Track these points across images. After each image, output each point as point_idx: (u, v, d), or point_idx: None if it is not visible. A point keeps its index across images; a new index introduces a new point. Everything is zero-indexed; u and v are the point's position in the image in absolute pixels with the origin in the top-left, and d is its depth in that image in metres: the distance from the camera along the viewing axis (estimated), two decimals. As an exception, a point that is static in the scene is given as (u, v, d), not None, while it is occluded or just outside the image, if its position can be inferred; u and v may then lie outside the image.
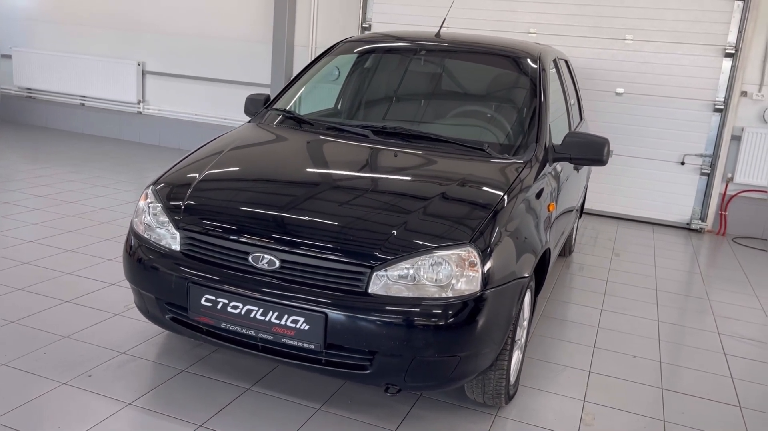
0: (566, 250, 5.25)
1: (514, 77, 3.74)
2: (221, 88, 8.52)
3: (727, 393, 3.28)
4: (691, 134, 6.57)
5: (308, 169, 3.01)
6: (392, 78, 4.09)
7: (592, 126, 6.79)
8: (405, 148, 3.14)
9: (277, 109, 3.63)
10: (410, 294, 2.35)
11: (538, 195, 2.99)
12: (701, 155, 6.58)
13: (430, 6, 7.08)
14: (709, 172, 6.60)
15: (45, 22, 9.27)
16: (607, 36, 6.68)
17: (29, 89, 9.55)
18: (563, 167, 3.68)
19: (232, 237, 2.51)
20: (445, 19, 4.41)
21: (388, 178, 2.89)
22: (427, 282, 2.38)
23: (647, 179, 6.80)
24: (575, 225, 5.16)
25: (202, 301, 2.49)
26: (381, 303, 2.33)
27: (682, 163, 6.63)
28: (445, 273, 2.38)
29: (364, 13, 7.57)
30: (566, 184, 3.76)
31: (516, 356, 2.90)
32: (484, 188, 2.81)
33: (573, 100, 4.77)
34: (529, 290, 2.94)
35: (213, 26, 8.36)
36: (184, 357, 3.07)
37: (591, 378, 3.29)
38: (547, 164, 3.24)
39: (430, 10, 7.09)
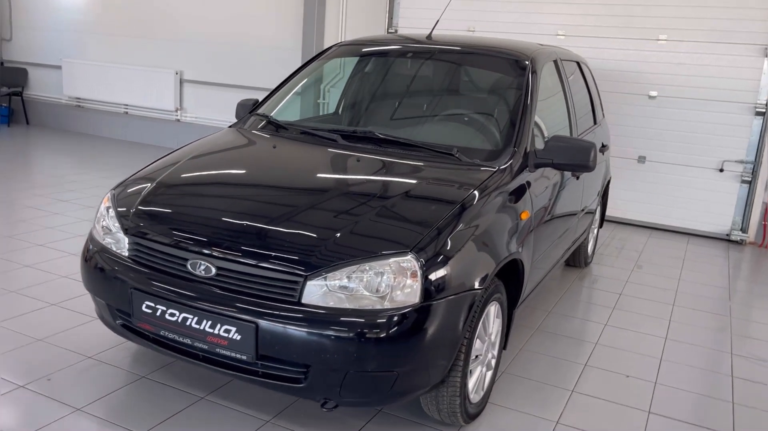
0: (581, 261, 5.00)
1: (501, 79, 3.57)
2: (254, 95, 8.62)
3: (722, 421, 3.01)
4: (730, 139, 6.17)
5: (261, 175, 2.95)
6: (380, 82, 4.01)
7: (623, 131, 6.50)
8: (372, 153, 3.04)
9: (257, 114, 3.59)
10: (346, 305, 2.25)
11: (509, 202, 2.83)
12: (741, 161, 6.16)
13: (455, 9, 6.94)
14: (750, 179, 6.18)
15: (92, 33, 9.63)
16: (639, 36, 6.36)
17: (78, 98, 9.95)
18: (558, 172, 3.51)
19: (171, 243, 2.48)
20: (438, 21, 4.27)
21: (339, 184, 2.80)
22: (366, 293, 2.27)
23: (683, 187, 6.43)
24: (589, 235, 4.91)
25: (143, 308, 2.46)
26: (312, 313, 2.24)
27: (721, 170, 6.24)
28: (384, 282, 2.26)
29: (390, 18, 7.50)
30: (561, 190, 3.57)
31: (479, 373, 2.75)
32: (440, 196, 2.67)
33: (583, 104, 4.54)
34: (497, 302, 2.78)
35: (247, 34, 8.47)
36: (149, 364, 3.06)
37: (572, 398, 3.09)
38: (526, 170, 3.07)
39: (455, 13, 6.94)
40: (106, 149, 8.72)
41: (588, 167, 3.11)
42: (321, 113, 6.20)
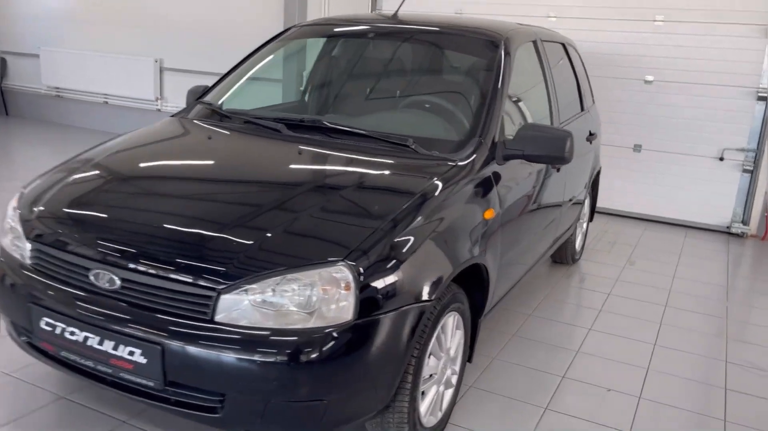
0: (568, 257, 4.66)
1: (470, 62, 3.23)
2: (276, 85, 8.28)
3: (713, 442, 2.69)
4: (730, 126, 5.80)
5: (185, 170, 2.61)
6: (343, 66, 3.68)
7: (617, 117, 6.14)
8: (318, 144, 2.71)
9: (203, 102, 3.27)
10: (267, 324, 1.93)
11: (470, 200, 2.50)
12: (743, 150, 5.79)
13: (439, -10, 6.58)
14: (752, 168, 5.81)
15: (70, 20, 9.30)
16: (635, 18, 5.98)
17: (57, 88, 9.62)
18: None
19: (72, 251, 2.16)
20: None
21: (271, 181, 2.47)
22: (294, 308, 1.95)
23: (680, 177, 6.07)
24: (576, 230, 4.57)
25: (42, 325, 2.15)
26: (226, 333, 1.92)
27: (721, 159, 5.87)
28: (311, 297, 1.94)
29: (374, 1, 7.14)
30: (540, 183, 3.23)
31: (434, 393, 2.43)
32: (386, 194, 2.34)
33: (568, 89, 4.19)
34: (456, 313, 2.46)
35: (227, 20, 8.11)
36: (71, 383, 2.74)
37: (544, 417, 2.77)
38: (494, 162, 2.73)
39: (439, -5, 6.59)
40: (85, 140, 8.38)
41: (563, 159, 2.77)
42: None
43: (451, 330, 2.48)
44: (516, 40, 3.27)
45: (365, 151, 2.63)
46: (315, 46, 3.92)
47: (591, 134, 4.36)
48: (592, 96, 4.96)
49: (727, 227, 5.97)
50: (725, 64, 5.72)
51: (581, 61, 4.79)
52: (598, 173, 4.93)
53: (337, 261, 1.97)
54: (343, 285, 1.95)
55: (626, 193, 6.30)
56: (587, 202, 4.81)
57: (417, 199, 2.28)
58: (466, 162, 2.60)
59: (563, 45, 4.30)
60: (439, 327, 2.33)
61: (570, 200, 4.00)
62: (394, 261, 2.07)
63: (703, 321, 3.93)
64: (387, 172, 2.48)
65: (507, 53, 3.12)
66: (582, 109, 4.39)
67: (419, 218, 2.21)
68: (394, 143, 2.66)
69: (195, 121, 3.08)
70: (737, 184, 5.89)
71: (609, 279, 4.55)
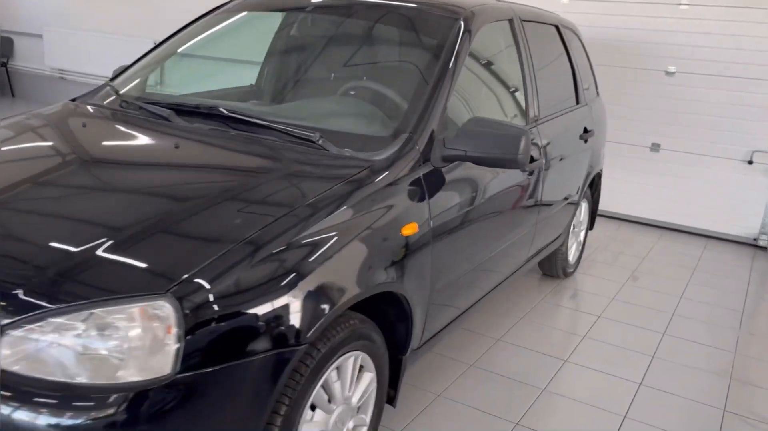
0: (558, 271, 4.10)
1: (418, 42, 2.70)
2: (236, 67, 7.87)
3: None
4: (762, 125, 5.12)
5: (33, 168, 2.10)
6: (283, 44, 3.21)
7: (634, 113, 5.54)
8: (208, 137, 2.22)
9: (110, 85, 2.83)
10: (57, 376, 1.47)
11: (383, 210, 1.99)
12: (775, 152, 5.12)
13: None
14: (785, 174, 5.13)
15: (74, 0, 9.03)
16: (658, 1, 5.33)
17: (61, 70, 9.37)
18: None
19: None
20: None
21: (113, 185, 1.99)
22: (98, 355, 1.48)
23: (703, 181, 5.41)
24: (568, 239, 4.00)
25: None
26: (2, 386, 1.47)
27: (750, 162, 5.19)
28: (120, 342, 1.47)
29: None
30: (502, 187, 2.70)
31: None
32: (257, 206, 1.84)
33: (559, 78, 3.62)
34: (360, 353, 1.97)
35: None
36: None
37: (479, 481, 2.26)
38: (427, 164, 2.22)
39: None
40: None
41: (515, 162, 2.24)
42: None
43: (352, 374, 1.98)
44: (481, 17, 2.73)
45: (263, 148, 2.14)
46: (269, 20, 3.46)
47: (586, 131, 3.78)
48: (597, 87, 4.36)
49: (754, 239, 5.30)
50: (758, 54, 5.03)
51: (583, 46, 4.19)
52: (599, 175, 4.33)
53: (158, 294, 1.49)
54: (163, 326, 1.48)
55: (641, 197, 5.67)
56: (584, 208, 4.24)
57: (299, 212, 1.78)
58: (384, 163, 2.09)
59: (557, 27, 3.72)
60: (327, 373, 1.84)
61: (555, 207, 3.44)
62: (247, 293, 1.58)
63: (706, 356, 3.34)
64: (274, 176, 1.97)
65: (465, 32, 2.58)
66: (578, 102, 3.81)
67: (298, 236, 1.72)
68: (299, 138, 2.16)
69: (89, 106, 2.64)
70: (767, 191, 5.21)
71: (604, 297, 3.98)
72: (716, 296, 4.16)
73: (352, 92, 2.60)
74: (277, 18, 3.24)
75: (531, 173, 2.95)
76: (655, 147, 5.55)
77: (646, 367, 3.15)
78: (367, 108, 2.53)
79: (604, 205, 5.79)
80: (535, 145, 3.01)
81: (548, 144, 3.17)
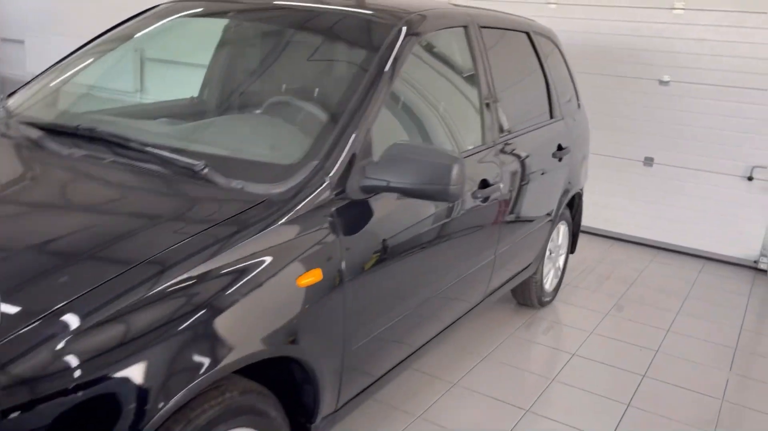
0: (533, 300, 3.74)
1: (348, 54, 2.36)
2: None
3: None
4: (763, 139, 4.74)
5: None
6: (216, 55, 2.93)
7: (625, 124, 5.18)
8: (79, 163, 1.90)
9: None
10: None
11: (276, 257, 1.66)
12: (777, 168, 4.73)
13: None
14: (788, 192, 4.75)
15: (57, 6, 8.81)
16: (649, 4, 4.97)
17: (43, 76, 9.14)
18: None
19: None
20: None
21: None
22: None
23: (699, 198, 5.03)
24: (542, 266, 3.64)
25: None
26: None
27: (750, 179, 4.81)
28: None
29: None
30: (446, 218, 2.36)
31: None
32: (87, 261, 1.47)
33: (529, 90, 3.28)
34: (244, 429, 1.64)
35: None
36: None
37: None
38: (344, 196, 1.88)
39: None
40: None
41: (447, 195, 1.90)
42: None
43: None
44: (424, 24, 2.39)
45: (135, 180, 1.81)
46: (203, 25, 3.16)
47: (561, 148, 3.43)
48: (578, 99, 4.01)
49: (754, 262, 4.91)
50: (758, 62, 4.65)
51: (562, 55, 3.85)
52: (580, 195, 3.97)
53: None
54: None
55: (634, 215, 5.30)
56: (562, 231, 3.88)
57: (144, 269, 1.44)
58: (282, 197, 1.75)
59: (528, 34, 3.38)
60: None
61: (521, 233, 3.09)
62: (61, 375, 1.25)
63: (689, 404, 2.97)
64: (130, 216, 1.63)
65: (404, 41, 2.25)
66: (552, 116, 3.46)
67: (137, 299, 1.38)
68: (181, 167, 1.83)
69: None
70: (769, 209, 4.83)
71: (581, 331, 3.61)
72: (708, 329, 3.79)
73: (269, 110, 2.27)
74: (214, 24, 2.93)
75: (486, 199, 2.61)
76: (649, 161, 5.18)
77: (619, 418, 2.79)
78: (282, 129, 2.20)
79: (594, 223, 5.43)
80: (493, 167, 2.67)
81: (510, 166, 2.82)
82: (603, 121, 5.27)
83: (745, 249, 4.93)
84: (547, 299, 3.88)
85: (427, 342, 2.49)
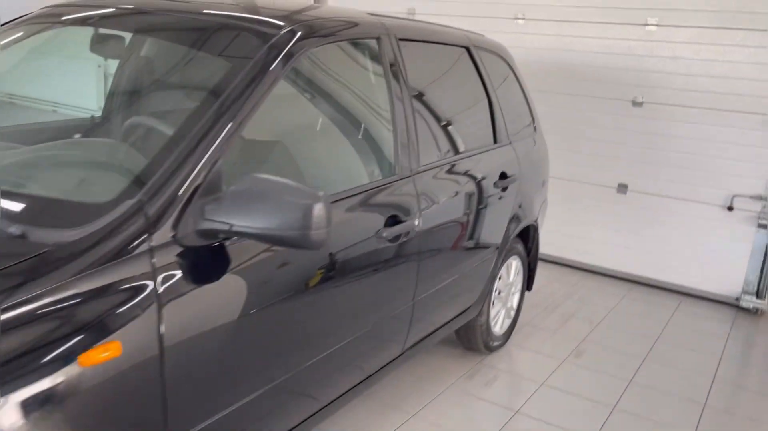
0: (479, 345, 3.34)
1: (215, 69, 1.99)
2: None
3: None
4: (743, 165, 4.36)
5: None
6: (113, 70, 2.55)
7: (597, 148, 4.84)
8: None
9: None
10: None
11: (53, 329, 1.28)
12: (760, 197, 4.33)
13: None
14: (771, 223, 4.35)
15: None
16: (621, 20, 4.62)
17: (9, 94, 8.84)
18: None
19: None
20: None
21: None
22: None
23: (676, 228, 4.64)
24: (489, 308, 3.25)
25: None
26: None
27: (730, 208, 4.42)
28: None
29: (316, -2, 5.98)
30: (318, 262, 1.98)
31: None
32: None
33: (466, 112, 2.92)
34: None
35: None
36: None
37: None
38: (173, 246, 1.51)
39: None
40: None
41: (307, 242, 1.53)
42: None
43: None
44: (310, 35, 2.03)
45: None
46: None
47: (504, 177, 3.05)
48: (534, 121, 3.64)
49: (736, 299, 4.50)
50: (737, 82, 4.29)
51: (514, 73, 3.49)
52: (534, 227, 3.59)
53: None
54: None
55: (606, 246, 4.91)
56: (514, 268, 3.49)
57: None
58: (74, 248, 1.37)
59: (467, 49, 3.02)
60: None
61: (451, 275, 2.71)
62: None
63: (644, 473, 2.56)
64: None
65: (285, 56, 1.89)
66: (496, 140, 3.09)
67: None
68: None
69: None
70: (751, 242, 4.43)
71: (531, 382, 3.21)
72: (676, 380, 3.37)
73: (125, 133, 1.90)
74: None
75: (396, 238, 2.22)
76: (622, 188, 4.80)
77: (557, 495, 2.39)
78: (111, 157, 1.82)
79: (564, 254, 5.04)
80: (407, 201, 2.29)
81: (432, 198, 2.44)
82: (573, 144, 4.90)
83: (726, 285, 4.53)
84: (497, 343, 3.48)
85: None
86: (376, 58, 2.34)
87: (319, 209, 1.52)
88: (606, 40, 4.70)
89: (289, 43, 1.93)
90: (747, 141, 4.30)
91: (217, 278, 1.59)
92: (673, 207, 4.63)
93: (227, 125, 1.68)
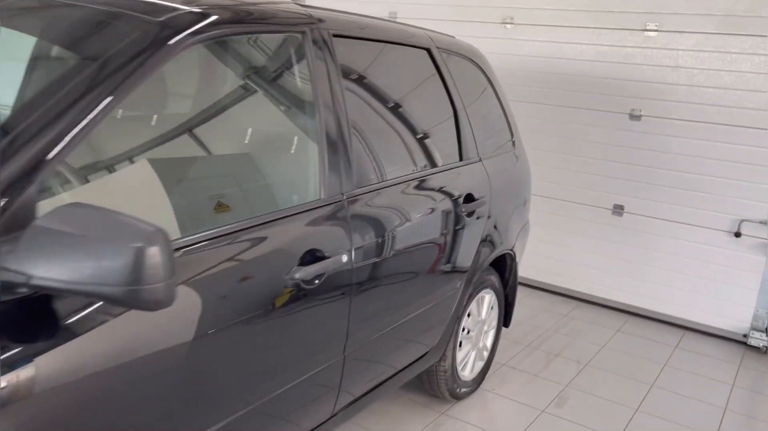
0: (442, 392, 2.90)
1: (75, 66, 1.58)
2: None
3: None
4: (752, 187, 3.90)
5: None
6: None
7: (590, 166, 4.42)
8: None
9: None
10: None
11: None
12: (770, 223, 3.89)
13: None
14: (783, 251, 3.89)
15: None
16: (617, 26, 4.19)
17: (-14, 100, 8.50)
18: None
19: None
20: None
21: None
22: None
23: (678, 256, 4.18)
24: (454, 351, 2.80)
25: None
26: None
27: (737, 235, 3.96)
28: None
29: None
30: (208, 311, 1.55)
31: None
32: None
33: (423, 128, 2.49)
34: None
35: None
36: None
37: None
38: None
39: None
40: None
41: (137, 300, 1.11)
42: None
43: None
44: (211, 22, 1.62)
45: None
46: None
47: (471, 200, 2.62)
48: (513, 135, 3.22)
49: (744, 335, 4.03)
50: (745, 94, 3.84)
51: (489, 80, 3.07)
52: (511, 256, 3.15)
53: None
54: None
55: (601, 273, 4.45)
56: (487, 303, 3.05)
57: None
58: None
59: (429, 51, 2.60)
60: None
61: (400, 316, 2.27)
62: None
63: None
64: None
65: (152, 51, 1.47)
66: (462, 157, 2.66)
67: None
68: None
69: None
70: (761, 272, 3.96)
71: (502, 438, 2.76)
72: (677, 428, 2.92)
73: None
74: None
75: (315, 279, 1.79)
76: (618, 209, 4.36)
77: None
78: None
79: (555, 281, 4.60)
80: (334, 233, 1.86)
81: (370, 227, 2.02)
82: (564, 160, 4.47)
83: (732, 319, 4.06)
84: (466, 390, 3.03)
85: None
86: (300, 55, 1.92)
87: (153, 255, 1.10)
88: (601, 47, 4.27)
89: (166, 38, 1.51)
90: (756, 160, 3.85)
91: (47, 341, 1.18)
92: (674, 231, 4.17)
93: (51, 140, 1.27)
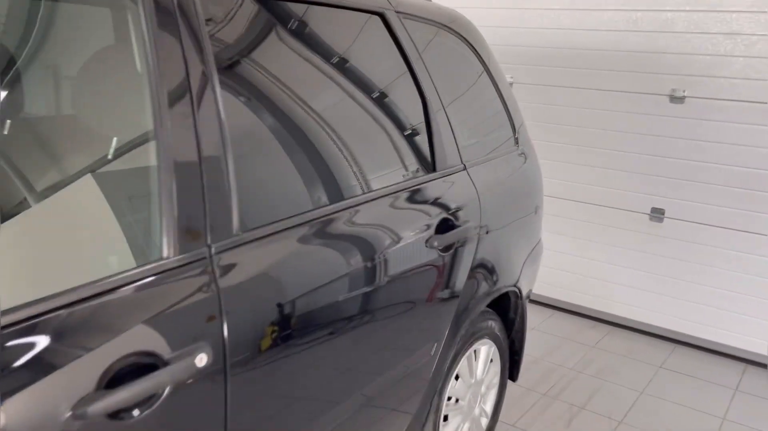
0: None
1: None
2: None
3: None
4: (832, 184, 3.05)
5: None
6: None
7: (623, 161, 3.60)
8: None
9: None
10: None
11: None
12: None
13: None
14: None
15: None
16: (652, -15, 3.36)
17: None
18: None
19: None
20: None
21: None
22: None
23: (733, 271, 3.34)
24: (436, 416, 2.05)
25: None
26: None
27: (812, 245, 3.11)
28: None
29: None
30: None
31: None
32: None
33: (371, 127, 1.72)
34: None
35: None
36: None
37: None
38: None
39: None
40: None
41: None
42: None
43: None
44: None
45: None
46: None
47: (447, 227, 1.84)
48: (515, 132, 2.43)
49: (823, 372, 3.19)
50: (823, 66, 2.98)
51: (480, 58, 2.28)
52: (516, 294, 2.36)
53: None
54: None
55: (638, 292, 3.64)
56: (484, 357, 2.27)
57: None
58: None
59: (382, 16, 1.82)
60: None
61: (346, 394, 1.53)
62: None
63: None
64: None
65: None
66: (435, 168, 1.89)
67: None
68: None
69: None
70: None
71: None
72: None
73: None
74: None
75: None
76: (657, 214, 3.53)
77: None
78: None
79: (581, 301, 3.80)
80: (200, 300, 1.12)
81: (267, 288, 1.27)
82: (590, 155, 3.65)
83: (807, 351, 3.22)
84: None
85: None
86: (140, 19, 1.17)
87: None
88: (632, 12, 3.43)
89: None
90: (838, 149, 3.00)
91: None
92: (724, 240, 3.34)
93: None
